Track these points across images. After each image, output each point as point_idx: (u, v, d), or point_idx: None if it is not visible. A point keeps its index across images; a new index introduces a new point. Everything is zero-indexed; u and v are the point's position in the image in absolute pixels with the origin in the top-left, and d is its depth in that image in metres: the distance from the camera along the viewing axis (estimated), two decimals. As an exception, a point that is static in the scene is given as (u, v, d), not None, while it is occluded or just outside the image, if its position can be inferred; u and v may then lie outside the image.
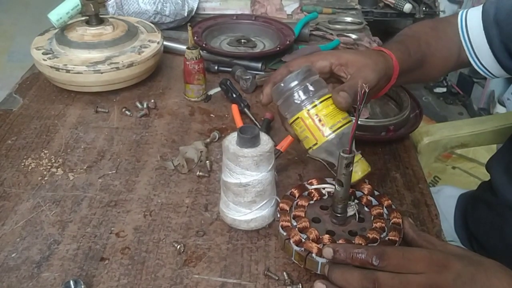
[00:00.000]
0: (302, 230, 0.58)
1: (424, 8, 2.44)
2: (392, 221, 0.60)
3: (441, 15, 2.51)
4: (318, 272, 0.55)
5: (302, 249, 0.56)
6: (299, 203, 0.63)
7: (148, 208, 0.70)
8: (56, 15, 0.94)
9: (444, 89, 2.85)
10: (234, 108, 0.89)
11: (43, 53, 0.94)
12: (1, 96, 0.96)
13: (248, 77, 0.98)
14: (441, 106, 2.75)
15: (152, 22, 1.09)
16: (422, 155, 1.08)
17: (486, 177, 0.92)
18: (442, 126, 1.16)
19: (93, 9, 0.95)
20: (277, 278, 0.59)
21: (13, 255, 0.62)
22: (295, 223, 0.59)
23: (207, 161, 0.77)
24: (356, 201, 0.63)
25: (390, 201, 0.63)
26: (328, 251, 0.52)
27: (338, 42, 1.18)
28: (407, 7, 2.36)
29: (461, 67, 0.85)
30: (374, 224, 0.59)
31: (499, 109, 2.42)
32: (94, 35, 0.96)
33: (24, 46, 1.13)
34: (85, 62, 0.91)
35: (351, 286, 0.50)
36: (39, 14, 1.69)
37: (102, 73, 0.91)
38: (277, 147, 0.75)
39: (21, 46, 2.74)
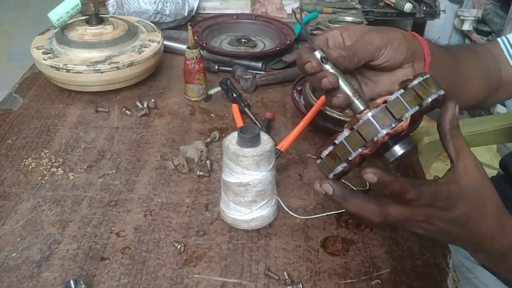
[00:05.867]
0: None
1: (424, 8, 2.44)
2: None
3: (441, 15, 2.51)
4: (351, 156, 0.48)
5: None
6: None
7: (149, 207, 0.70)
8: (56, 14, 0.94)
9: (444, 89, 2.85)
10: (235, 107, 0.89)
11: (43, 53, 0.94)
12: (1, 96, 0.96)
13: (248, 76, 0.97)
14: (441, 105, 2.74)
15: (152, 22, 1.09)
16: (422, 155, 1.08)
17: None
18: (442, 126, 1.15)
19: (93, 9, 0.95)
20: (277, 277, 0.59)
21: (13, 255, 0.62)
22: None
23: (208, 161, 0.77)
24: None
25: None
26: (371, 176, 0.50)
27: (338, 42, 1.17)
28: (408, 6, 2.36)
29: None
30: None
31: (500, 108, 2.41)
32: (94, 34, 0.95)
33: (24, 45, 1.13)
34: (85, 62, 0.91)
35: (365, 212, 0.48)
36: (39, 14, 1.69)
37: (102, 72, 0.91)
38: (278, 147, 0.75)
39: (21, 46, 2.74)
